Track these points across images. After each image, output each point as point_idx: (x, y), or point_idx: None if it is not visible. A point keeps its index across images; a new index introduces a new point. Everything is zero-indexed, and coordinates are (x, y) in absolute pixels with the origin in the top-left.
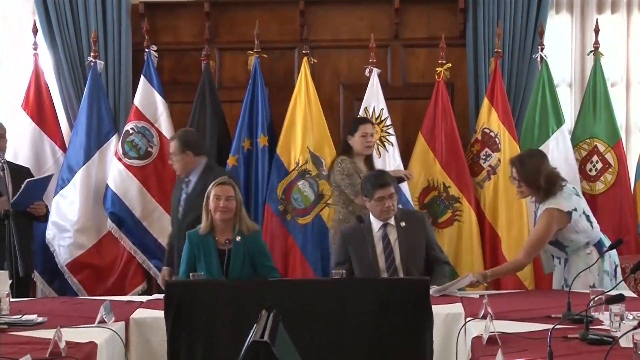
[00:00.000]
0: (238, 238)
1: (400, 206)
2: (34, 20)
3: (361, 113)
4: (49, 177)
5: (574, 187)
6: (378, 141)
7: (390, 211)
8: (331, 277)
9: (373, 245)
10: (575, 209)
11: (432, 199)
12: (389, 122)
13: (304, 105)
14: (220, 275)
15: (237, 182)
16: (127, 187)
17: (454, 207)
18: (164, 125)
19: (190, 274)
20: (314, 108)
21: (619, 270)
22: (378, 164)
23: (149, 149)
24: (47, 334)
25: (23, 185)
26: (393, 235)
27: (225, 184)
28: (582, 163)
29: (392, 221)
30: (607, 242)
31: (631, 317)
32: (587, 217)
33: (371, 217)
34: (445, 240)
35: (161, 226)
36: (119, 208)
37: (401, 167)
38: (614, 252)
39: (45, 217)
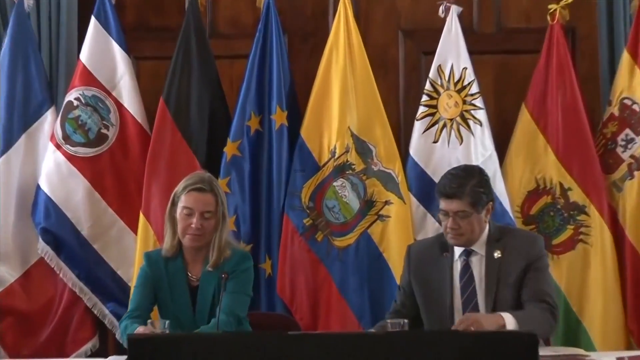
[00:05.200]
0: (209, 267)
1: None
2: None
3: (432, 74)
4: None
5: None
6: (459, 118)
7: (457, 237)
8: (384, 329)
9: (449, 276)
10: None
11: (543, 208)
12: (475, 88)
13: (343, 64)
14: (190, 315)
15: (218, 184)
16: (69, 190)
17: (578, 221)
18: (127, 93)
19: (149, 323)
20: (359, 68)
21: None
22: (459, 151)
23: (103, 131)
24: None
25: None
26: (479, 269)
27: (203, 190)
28: None
29: (479, 248)
30: None
31: None
32: None
33: None
34: (563, 272)
35: (122, 250)
36: (56, 222)
37: (494, 159)
38: None
39: None
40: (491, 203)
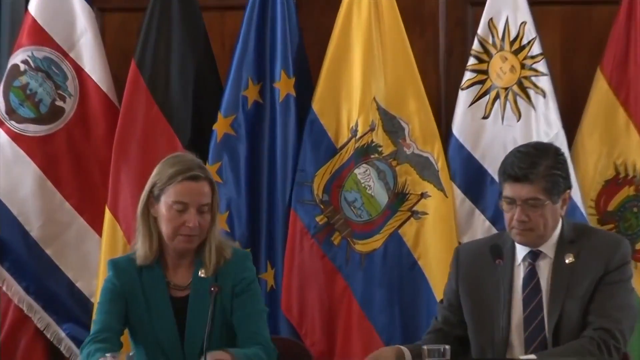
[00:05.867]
0: (202, 273)
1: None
2: None
3: (482, 30)
4: None
5: None
6: (516, 87)
7: (525, 233)
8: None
9: (508, 286)
10: None
11: (624, 202)
12: (537, 49)
13: (366, 18)
14: (174, 337)
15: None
16: (14, 179)
17: None
18: (89, 54)
19: (108, 354)
20: (388, 23)
21: None
22: (516, 129)
23: (59, 103)
24: None
25: None
26: (547, 275)
27: (198, 177)
28: None
29: (548, 249)
30: None
31: None
32: None
33: None
34: None
35: (82, 256)
36: None
37: (561, 140)
38: None
39: None
40: (568, 191)
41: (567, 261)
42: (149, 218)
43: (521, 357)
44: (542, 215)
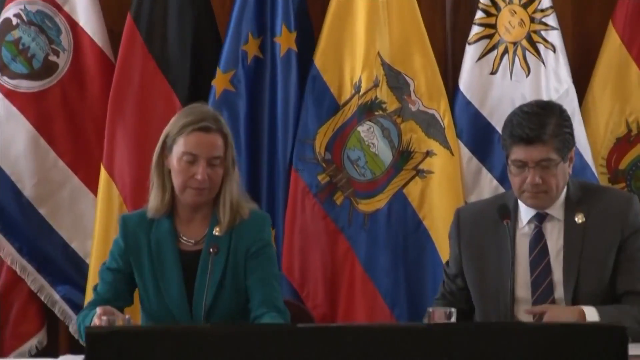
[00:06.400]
0: (217, 231)
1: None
2: None
3: None
4: None
5: None
6: (525, 42)
7: (539, 196)
8: (427, 320)
9: (514, 249)
10: None
11: (636, 160)
12: (547, 2)
13: None
14: (182, 298)
15: (224, 121)
16: (7, 137)
17: None
18: (83, 8)
19: (104, 317)
20: None
21: None
22: (525, 85)
23: (52, 58)
24: None
25: None
26: (555, 239)
27: (209, 129)
28: None
29: (555, 211)
30: None
31: None
32: None
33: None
34: None
35: (77, 216)
36: None
37: (571, 96)
38: None
39: None
40: (574, 149)
41: (577, 221)
42: (163, 170)
43: (582, 307)
44: (555, 176)
